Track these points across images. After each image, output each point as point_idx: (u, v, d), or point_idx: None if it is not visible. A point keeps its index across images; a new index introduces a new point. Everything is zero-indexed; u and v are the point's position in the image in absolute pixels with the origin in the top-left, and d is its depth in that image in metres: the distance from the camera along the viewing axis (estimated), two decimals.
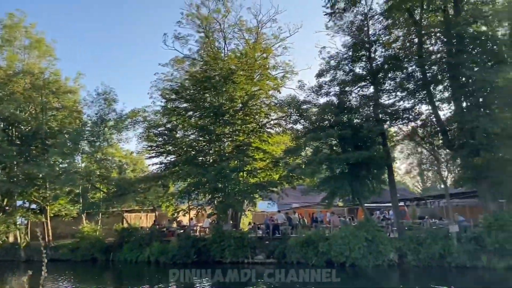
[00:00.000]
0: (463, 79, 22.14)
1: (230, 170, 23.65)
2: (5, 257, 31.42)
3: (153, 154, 30.27)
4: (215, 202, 26.02)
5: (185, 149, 28.60)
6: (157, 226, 30.25)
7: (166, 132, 29.91)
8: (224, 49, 34.10)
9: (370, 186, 23.66)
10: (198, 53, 34.54)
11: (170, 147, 29.81)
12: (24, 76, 33.29)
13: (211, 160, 25.94)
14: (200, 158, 26.59)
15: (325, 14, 26.09)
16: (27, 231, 32.83)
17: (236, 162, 25.98)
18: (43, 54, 36.36)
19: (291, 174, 25.95)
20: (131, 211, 34.20)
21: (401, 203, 37.83)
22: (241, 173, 26.37)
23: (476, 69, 20.59)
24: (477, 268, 20.43)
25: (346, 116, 24.66)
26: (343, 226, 23.55)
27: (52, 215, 34.08)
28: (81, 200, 32.30)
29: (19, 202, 33.94)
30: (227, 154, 26.42)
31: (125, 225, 30.66)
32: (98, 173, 30.83)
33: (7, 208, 33.01)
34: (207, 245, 25.73)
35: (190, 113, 28.86)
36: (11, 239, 33.72)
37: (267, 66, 30.40)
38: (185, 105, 28.83)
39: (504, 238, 20.00)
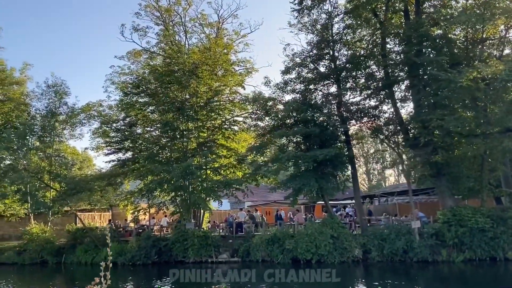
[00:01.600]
0: (425, 77, 22.81)
1: (195, 168, 22.81)
2: None
3: (110, 151, 28.65)
4: (178, 200, 25.05)
5: (145, 145, 27.35)
6: (113, 226, 28.74)
7: (125, 127, 28.46)
8: (185, 43, 33.09)
9: (335, 183, 23.81)
10: (157, 46, 33.23)
11: (129, 143, 28.39)
12: None
13: (174, 157, 24.89)
14: (164, 155, 25.47)
15: (293, 11, 25.93)
16: None
17: (201, 159, 25.17)
18: None
19: (256, 172, 25.53)
20: (84, 211, 32.30)
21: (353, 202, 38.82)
22: (206, 171, 25.59)
23: (435, 69, 21.20)
24: (438, 262, 21.14)
25: (310, 114, 24.65)
26: (309, 223, 23.51)
27: None
28: (29, 199, 29.98)
29: None
30: (191, 151, 25.52)
31: (79, 225, 28.85)
32: (49, 170, 28.72)
33: None
34: (169, 244, 24.77)
35: (152, 108, 27.65)
36: None
37: (230, 62, 29.75)
38: (146, 99, 27.55)
39: (462, 233, 20.84)
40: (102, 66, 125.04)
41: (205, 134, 27.03)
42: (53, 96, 32.10)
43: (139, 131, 28.53)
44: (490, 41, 23.99)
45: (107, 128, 29.55)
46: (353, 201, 38.47)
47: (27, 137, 29.73)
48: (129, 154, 28.75)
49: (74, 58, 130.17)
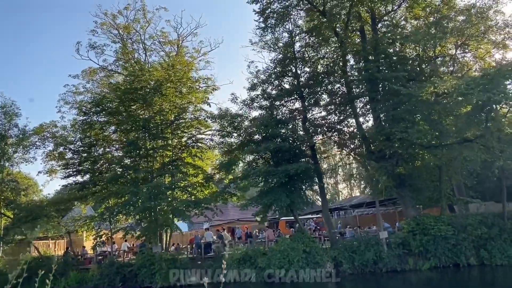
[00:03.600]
0: (385, 92, 23.84)
1: (165, 187, 22.06)
2: None
3: (67, 174, 27.10)
4: (144, 222, 24.02)
5: (106, 166, 26.18)
6: (72, 254, 26.99)
7: (83, 148, 27.14)
8: (145, 60, 32.49)
9: (305, 198, 23.96)
10: (115, 64, 32.35)
11: (88, 165, 27.03)
12: None
13: (140, 178, 23.96)
14: (128, 176, 24.45)
15: (258, 29, 26.32)
16: None
17: (169, 178, 24.42)
18: None
19: (225, 190, 25.15)
20: (38, 239, 30.12)
21: (314, 216, 39.34)
22: (174, 190, 24.84)
23: (396, 84, 22.22)
24: (406, 271, 21.71)
25: (278, 129, 24.89)
26: (280, 240, 23.36)
27: None
28: None
29: None
30: (157, 170, 24.71)
31: (34, 254, 26.82)
32: (1, 196, 26.65)
33: None
34: (134, 270, 23.54)
35: (113, 127, 26.63)
36: None
37: (193, 79, 29.52)
38: (106, 118, 26.49)
39: (426, 241, 21.65)
40: (54, 86, 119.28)
41: (171, 153, 26.36)
42: (2, 117, 30.14)
43: (99, 151, 27.25)
44: (442, 59, 25.65)
45: (63, 150, 28.03)
46: (315, 216, 39.13)
47: None
48: (87, 177, 27.33)
49: (23, 78, 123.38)
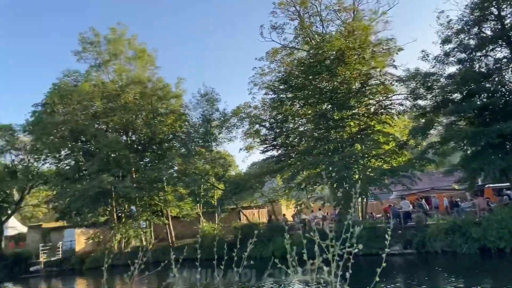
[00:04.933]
0: None
1: (357, 156, 21.99)
2: (135, 259, 33.04)
3: (265, 149, 29.71)
4: (340, 192, 24.52)
5: (297, 139, 27.59)
6: (275, 221, 29.68)
7: (275, 124, 29.19)
8: (323, 31, 32.52)
9: None
10: (294, 41, 33.36)
11: (282, 140, 29.01)
12: (134, 86, 34.88)
13: (331, 148, 24.49)
14: (320, 147, 25.25)
15: None
16: (151, 233, 34.26)
17: (360, 147, 24.27)
18: (146, 64, 37.88)
19: (423, 156, 23.48)
20: (245, 208, 34.16)
21: None
22: (368, 159, 24.55)
23: None
24: None
25: (479, 84, 21.70)
26: (498, 209, 20.61)
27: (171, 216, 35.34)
28: (199, 200, 32.95)
29: (132, 207, 35.69)
30: (347, 140, 24.80)
31: (244, 221, 30.56)
32: (214, 172, 31.13)
33: (130, 213, 35.03)
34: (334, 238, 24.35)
35: (301, 101, 27.77)
36: (134, 242, 35.32)
37: (374, 43, 28.13)
38: (293, 94, 27.79)
39: None
40: (239, 69, 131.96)
41: (360, 122, 26.02)
42: (206, 104, 34.83)
43: (290, 126, 28.92)
44: None
45: (259, 128, 30.76)
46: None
47: (192, 144, 32.74)
48: (282, 151, 29.37)
49: (214, 65, 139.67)
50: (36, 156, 38.22)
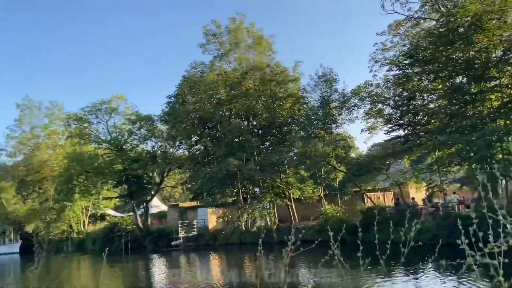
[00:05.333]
0: None
1: (500, 133, 19.38)
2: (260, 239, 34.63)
3: (388, 129, 28.14)
4: (478, 173, 21.97)
5: (428, 117, 25.40)
6: (403, 205, 28.08)
7: (401, 102, 27.33)
8: None
9: None
10: (421, 10, 30.49)
11: (409, 118, 27.07)
12: (254, 73, 36.11)
13: (469, 125, 21.99)
14: (456, 125, 22.92)
15: None
16: (275, 214, 35.45)
17: (505, 122, 21.34)
18: (264, 50, 38.78)
19: None
20: (370, 191, 33.05)
21: None
22: None
23: None
24: None
25: None
26: None
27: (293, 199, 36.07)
28: (320, 182, 32.94)
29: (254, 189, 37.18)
30: (488, 115, 21.99)
31: (367, 204, 29.62)
32: (335, 154, 30.69)
33: (254, 194, 36.77)
34: (475, 224, 22.01)
35: (431, 76, 25.44)
36: (259, 222, 36.96)
37: None
38: (420, 68, 25.56)
39: None
40: (358, 48, 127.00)
41: (503, 94, 22.81)
42: (324, 85, 34.30)
43: (418, 103, 26.79)
44: None
45: (382, 107, 29.19)
46: None
47: (311, 127, 32.72)
48: (409, 130, 27.46)
49: (331, 46, 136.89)
50: (171, 143, 42.41)
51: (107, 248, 5.42)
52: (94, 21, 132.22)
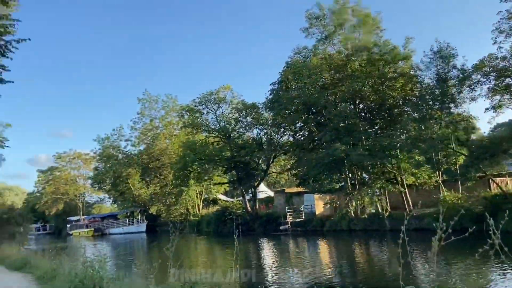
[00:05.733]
0: None
1: None
2: (370, 226, 33.28)
3: None
4: None
5: None
6: None
7: None
8: None
9: None
10: None
11: None
12: (360, 54, 34.50)
13: None
14: None
15: None
16: (386, 201, 33.74)
17: None
18: (371, 28, 36.65)
19: None
20: (497, 176, 29.46)
21: None
22: None
23: None
24: None
25: None
26: None
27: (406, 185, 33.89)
28: (438, 167, 30.39)
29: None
30: None
31: (495, 191, 26.43)
32: (455, 136, 27.88)
33: (363, 180, 35.47)
34: None
35: None
36: (369, 209, 35.49)
37: None
38: None
39: None
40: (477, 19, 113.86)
41: None
42: (440, 62, 31.26)
43: None
44: None
45: (510, 82, 25.59)
46: None
47: (427, 108, 30.18)
48: None
49: (447, 18, 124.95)
50: (276, 129, 42.97)
51: (237, 230, 5.52)
52: (201, 16, 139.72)
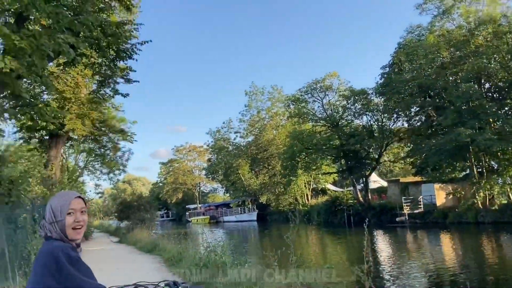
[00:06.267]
0: None
1: None
2: (502, 218, 29.73)
3: None
4: None
5: None
6: None
7: None
8: None
9: None
10: None
11: None
12: (485, 26, 30.79)
13: None
14: None
15: None
16: None
17: None
18: None
19: None
20: None
21: None
22: None
23: None
24: None
25: None
26: None
27: None
28: None
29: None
30: None
31: None
32: None
33: (491, 168, 31.93)
34: None
35: None
36: (500, 200, 31.78)
37: None
38: None
39: None
40: None
41: None
42: None
43: None
44: None
45: None
46: None
47: None
48: None
49: None
50: (388, 116, 40.74)
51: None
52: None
